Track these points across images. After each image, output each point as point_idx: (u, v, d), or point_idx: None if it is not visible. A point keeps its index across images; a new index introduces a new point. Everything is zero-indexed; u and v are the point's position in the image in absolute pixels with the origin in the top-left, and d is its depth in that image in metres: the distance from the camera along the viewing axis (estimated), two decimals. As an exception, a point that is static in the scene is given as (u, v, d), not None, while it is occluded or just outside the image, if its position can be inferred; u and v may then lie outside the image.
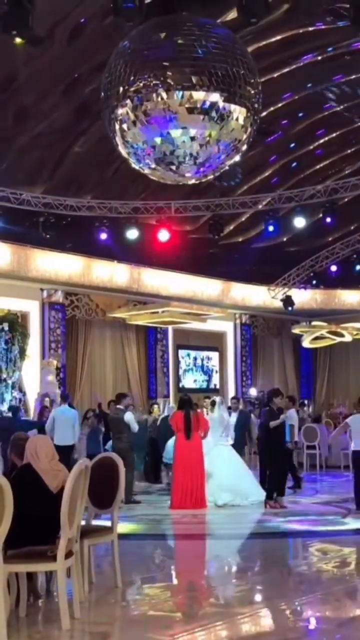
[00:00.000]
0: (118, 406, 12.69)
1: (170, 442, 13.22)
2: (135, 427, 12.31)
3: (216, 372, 24.21)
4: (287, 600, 6.12)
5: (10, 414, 13.85)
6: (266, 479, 12.82)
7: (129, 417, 12.26)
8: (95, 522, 6.87)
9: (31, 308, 19.07)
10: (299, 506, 11.91)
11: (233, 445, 13.13)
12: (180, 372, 23.24)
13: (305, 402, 23.97)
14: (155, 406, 16.64)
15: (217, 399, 13.21)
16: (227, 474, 12.07)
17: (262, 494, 12.13)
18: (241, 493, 11.89)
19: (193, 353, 23.70)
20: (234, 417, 14.61)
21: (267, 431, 11.55)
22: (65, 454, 11.97)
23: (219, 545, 9.52)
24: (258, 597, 6.54)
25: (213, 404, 13.04)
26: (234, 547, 9.37)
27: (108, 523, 6.70)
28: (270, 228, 18.01)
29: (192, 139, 11.30)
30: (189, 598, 6.52)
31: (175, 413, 12.34)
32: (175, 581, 7.36)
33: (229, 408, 15.60)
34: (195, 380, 23.59)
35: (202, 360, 23.96)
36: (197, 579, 7.47)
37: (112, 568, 6.56)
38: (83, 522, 6.21)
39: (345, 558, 8.45)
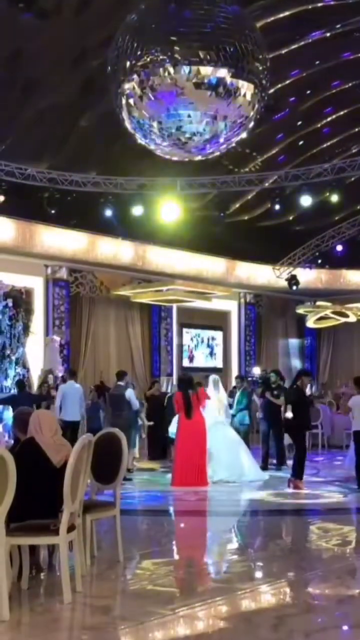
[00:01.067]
0: (119, 383, 12.70)
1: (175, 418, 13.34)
2: (136, 404, 12.34)
3: (216, 345, 24.21)
4: (287, 577, 6.15)
5: (16, 389, 13.85)
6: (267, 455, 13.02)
7: (130, 393, 12.27)
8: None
9: (35, 284, 19.05)
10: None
11: (240, 424, 13.19)
12: (192, 349, 23.34)
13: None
14: (156, 384, 16.58)
15: (212, 377, 13.15)
16: (225, 452, 12.12)
17: (260, 474, 12.21)
18: (238, 471, 11.93)
19: (199, 332, 23.74)
20: (236, 396, 14.63)
21: (292, 410, 11.44)
22: (74, 430, 12.01)
23: (219, 521, 9.56)
24: (258, 574, 6.58)
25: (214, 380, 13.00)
26: (235, 524, 9.41)
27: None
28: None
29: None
30: (190, 573, 6.55)
31: (176, 392, 12.36)
32: (176, 557, 7.40)
33: (235, 387, 15.58)
34: (203, 353, 23.66)
35: (209, 339, 23.99)
36: (198, 555, 7.51)
37: (114, 543, 6.59)
38: (86, 497, 6.23)
39: (345, 536, 8.49)
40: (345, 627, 4.88)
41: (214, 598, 5.45)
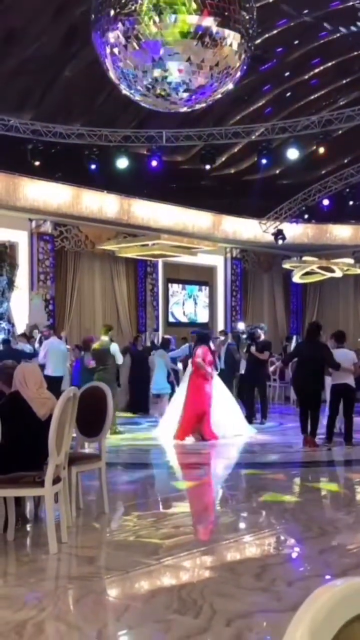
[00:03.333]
0: (103, 337, 12.70)
1: (159, 374, 13.48)
2: (120, 358, 12.34)
3: (205, 306, 24.25)
4: (270, 527, 6.23)
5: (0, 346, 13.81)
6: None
7: (115, 348, 12.28)
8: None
9: (20, 238, 18.87)
10: (285, 438, 12.08)
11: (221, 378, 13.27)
12: (183, 304, 23.38)
13: (294, 337, 24.08)
14: (139, 339, 16.56)
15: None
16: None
17: (248, 429, 12.32)
18: (225, 426, 12.02)
19: (186, 287, 23.72)
20: (222, 351, 14.71)
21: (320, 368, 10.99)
22: (56, 385, 12.03)
23: (204, 474, 9.66)
24: (242, 525, 6.66)
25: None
26: (220, 476, 9.52)
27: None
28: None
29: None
30: (175, 525, 6.62)
31: (203, 348, 12.11)
32: (161, 509, 7.48)
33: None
34: (189, 308, 23.68)
35: (193, 296, 23.98)
36: (182, 507, 7.59)
37: (100, 495, 6.65)
38: (71, 450, 6.27)
39: (328, 489, 8.60)
40: (327, 576, 4.96)
41: (198, 548, 5.52)
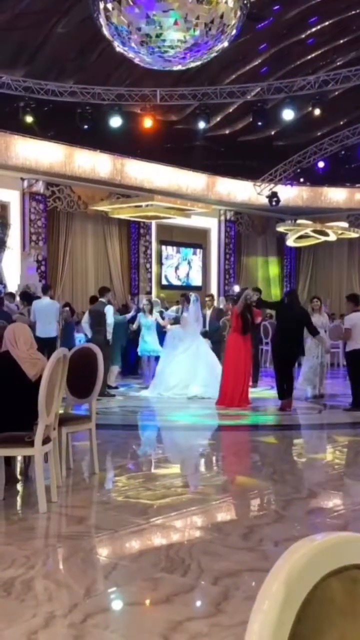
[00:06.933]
0: (100, 299, 12.69)
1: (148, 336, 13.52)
2: (110, 320, 12.30)
3: (199, 269, 24.14)
4: (260, 489, 6.27)
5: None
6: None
7: (107, 310, 12.27)
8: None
9: (12, 198, 18.68)
10: (276, 401, 12.12)
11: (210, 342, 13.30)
12: (177, 268, 23.28)
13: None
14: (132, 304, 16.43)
15: (193, 295, 13.24)
16: (201, 368, 12.22)
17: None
18: (213, 387, 12.04)
19: (181, 249, 23.60)
20: (207, 314, 14.71)
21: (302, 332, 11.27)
22: (48, 347, 11.99)
23: (195, 435, 9.70)
24: (232, 486, 6.70)
25: (188, 300, 13.03)
26: (211, 438, 9.56)
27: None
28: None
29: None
30: (165, 486, 6.66)
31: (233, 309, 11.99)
32: (152, 470, 7.52)
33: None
34: (182, 271, 23.57)
35: (190, 259, 23.89)
36: (173, 468, 7.63)
37: (91, 456, 6.67)
38: (62, 411, 6.27)
39: (317, 451, 8.66)
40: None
41: (188, 508, 5.56)
